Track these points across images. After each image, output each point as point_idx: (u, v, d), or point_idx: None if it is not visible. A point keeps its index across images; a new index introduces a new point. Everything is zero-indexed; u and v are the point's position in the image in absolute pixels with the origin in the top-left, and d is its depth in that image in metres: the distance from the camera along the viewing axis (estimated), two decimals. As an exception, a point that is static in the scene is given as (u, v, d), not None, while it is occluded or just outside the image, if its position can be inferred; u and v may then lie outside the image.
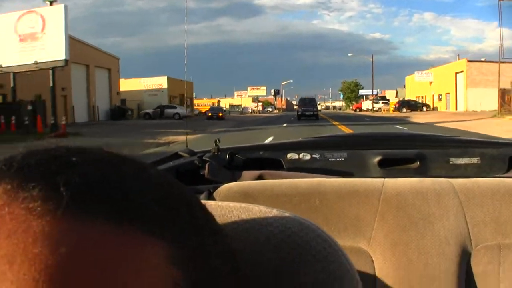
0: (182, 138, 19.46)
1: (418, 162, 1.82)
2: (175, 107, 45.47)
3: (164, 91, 49.56)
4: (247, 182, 1.55)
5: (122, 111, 41.54)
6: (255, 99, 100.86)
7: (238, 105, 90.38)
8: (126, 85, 47.54)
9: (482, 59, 46.55)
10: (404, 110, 53.14)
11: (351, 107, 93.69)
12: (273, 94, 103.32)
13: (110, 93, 42.10)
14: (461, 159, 1.83)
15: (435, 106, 56.88)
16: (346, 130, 25.54)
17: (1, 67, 21.43)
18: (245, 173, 1.72)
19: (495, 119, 30.01)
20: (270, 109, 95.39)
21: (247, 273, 0.54)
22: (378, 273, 1.31)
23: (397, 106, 57.21)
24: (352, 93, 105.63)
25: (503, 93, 34.12)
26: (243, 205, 0.62)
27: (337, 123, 33.16)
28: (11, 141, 14.59)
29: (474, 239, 1.32)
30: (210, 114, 44.46)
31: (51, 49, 21.12)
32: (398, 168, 1.83)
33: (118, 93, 43.23)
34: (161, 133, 21.01)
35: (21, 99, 22.95)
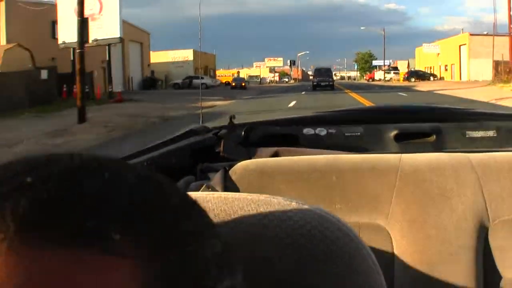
0: (219, 103, 23.46)
1: (434, 136, 1.83)
2: (202, 78, 48.63)
3: (190, 63, 52.85)
4: (263, 159, 1.54)
5: (152, 81, 45.40)
6: (272, 70, 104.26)
7: (257, 76, 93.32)
8: (154, 57, 50.91)
9: (485, 33, 49.08)
10: (413, 79, 56.03)
11: (364, 77, 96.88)
12: (289, 65, 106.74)
13: (142, 65, 45.76)
14: (477, 132, 1.82)
15: (442, 76, 59.56)
16: (357, 97, 28.27)
17: (65, 43, 25.55)
18: (261, 150, 1.72)
19: (488, 87, 32.99)
20: (287, 80, 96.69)
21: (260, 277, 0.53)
22: (396, 250, 1.31)
23: (406, 76, 60.41)
24: (366, 64, 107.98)
25: (496, 64, 37.47)
26: (262, 197, 0.60)
27: (349, 91, 35.58)
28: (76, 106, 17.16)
29: (491, 214, 1.31)
30: (234, 84, 48.34)
31: (108, 28, 25.12)
32: (414, 142, 1.83)
33: (149, 65, 46.90)
34: (199, 100, 24.81)
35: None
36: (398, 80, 61.99)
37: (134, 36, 43.78)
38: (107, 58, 26.35)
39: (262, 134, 1.85)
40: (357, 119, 1.94)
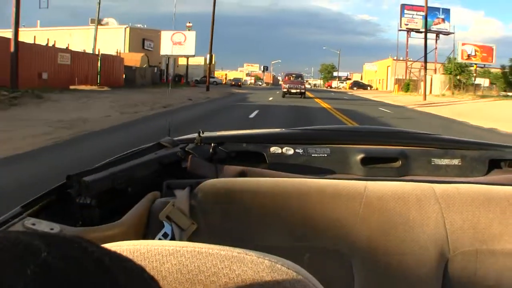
0: (237, 91, 46.27)
1: (400, 161, 1.85)
2: (214, 77, 72.63)
3: (201, 66, 75.17)
4: (229, 179, 1.55)
5: (180, 77, 69.23)
6: (248, 74, 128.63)
7: (240, 78, 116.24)
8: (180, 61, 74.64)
9: (404, 58, 71.13)
10: (355, 88, 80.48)
11: (325, 85, 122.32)
12: (262, 69, 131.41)
13: (174, 66, 69.58)
14: (442, 159, 1.87)
15: (376, 87, 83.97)
16: (311, 95, 41.12)
17: (164, 54, 49.61)
18: (228, 168, 1.72)
19: (390, 94, 53.38)
20: (260, 83, 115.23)
21: None
22: (356, 277, 1.34)
23: (351, 85, 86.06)
24: (328, 74, 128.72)
25: (396, 80, 60.85)
26: (235, 253, 0.60)
27: (308, 93, 44.19)
28: (167, 86, 37.37)
29: (452, 245, 1.36)
30: (233, 83, 73.56)
31: (188, 49, 49.30)
32: (380, 167, 1.86)
33: (178, 66, 70.40)
34: (228, 88, 49.11)
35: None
36: (345, 88, 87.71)
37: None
38: (186, 64, 51.20)
39: (230, 151, 1.84)
40: (325, 139, 1.97)
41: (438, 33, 59.90)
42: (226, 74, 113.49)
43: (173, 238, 1.35)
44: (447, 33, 60.22)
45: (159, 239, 1.34)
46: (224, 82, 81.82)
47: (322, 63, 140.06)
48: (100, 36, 41.89)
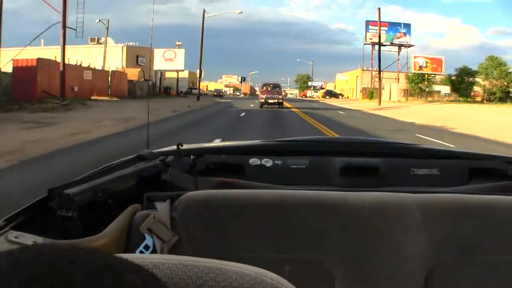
0: (220, 100, 54.19)
1: (380, 172, 1.87)
2: (196, 89, 79.79)
3: (186, 79, 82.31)
4: (209, 191, 1.55)
5: (167, 89, 76.36)
6: (227, 85, 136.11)
7: (220, 89, 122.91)
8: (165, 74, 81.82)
9: (370, 69, 74.20)
10: (328, 97, 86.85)
11: (300, 95, 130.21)
12: (240, 80, 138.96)
13: (162, 79, 76.70)
14: (422, 169, 1.88)
15: (347, 95, 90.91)
16: (288, 104, 42.22)
17: (157, 69, 56.76)
18: (208, 180, 1.74)
19: (356, 101, 60.37)
20: (238, 93, 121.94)
21: None
22: (337, 287, 1.34)
23: (324, 94, 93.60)
24: (304, 84, 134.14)
25: (363, 89, 67.85)
26: (220, 265, 0.61)
27: (286, 102, 44.80)
28: (161, 97, 47.53)
29: (433, 255, 1.37)
30: (215, 93, 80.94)
31: (178, 64, 56.57)
32: (360, 178, 1.87)
33: (165, 79, 77.37)
34: (212, 98, 57.08)
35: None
36: (319, 97, 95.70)
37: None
38: (177, 77, 58.80)
39: (209, 163, 1.87)
40: (303, 150, 1.98)
41: (400, 45, 67.95)
42: (207, 85, 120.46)
43: (154, 251, 1.38)
44: (408, 46, 68.18)
45: (141, 251, 1.38)
46: (205, 92, 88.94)
47: (298, 73, 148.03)
48: (99, 53, 48.88)
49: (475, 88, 57.12)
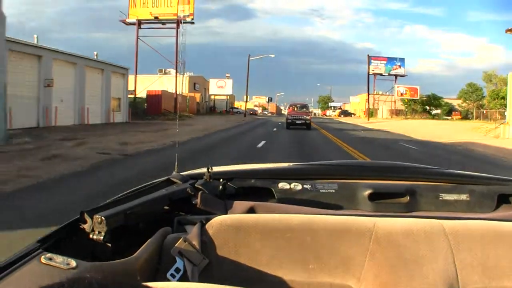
0: (257, 117, 76.36)
1: (408, 197, 1.87)
2: (238, 108, 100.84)
3: (225, 99, 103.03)
4: (239, 215, 1.58)
5: (212, 108, 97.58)
6: (256, 105, 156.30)
7: (254, 109, 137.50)
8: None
9: (380, 92, 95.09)
10: (342, 116, 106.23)
11: (321, 114, 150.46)
12: (267, 100, 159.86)
13: (209, 100, 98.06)
14: (450, 195, 1.88)
15: (359, 114, 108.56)
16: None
17: (212, 94, 78.83)
18: (237, 204, 1.77)
19: (360, 119, 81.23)
20: (266, 112, 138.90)
21: None
22: None
23: (339, 114, 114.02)
24: (325, 104, 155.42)
25: (367, 110, 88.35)
26: None
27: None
28: (215, 114, 69.59)
29: (461, 282, 1.37)
30: (251, 112, 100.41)
31: (227, 90, 78.38)
32: (388, 202, 1.87)
33: (212, 99, 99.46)
34: (249, 116, 78.60)
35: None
36: (335, 115, 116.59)
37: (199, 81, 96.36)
38: (226, 100, 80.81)
39: (238, 187, 1.90)
40: (332, 173, 1.99)
41: (396, 75, 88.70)
42: (240, 105, 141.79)
43: (185, 273, 1.41)
44: (402, 76, 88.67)
45: (171, 274, 1.41)
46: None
47: (320, 95, 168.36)
48: (168, 81, 67.78)
49: (457, 107, 78.55)
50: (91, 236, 1.36)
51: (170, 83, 61.16)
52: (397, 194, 1.90)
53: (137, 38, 53.56)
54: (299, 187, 1.92)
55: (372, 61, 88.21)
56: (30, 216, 6.70)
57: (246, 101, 76.26)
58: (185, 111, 60.20)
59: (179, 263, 1.41)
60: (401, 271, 1.40)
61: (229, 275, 1.44)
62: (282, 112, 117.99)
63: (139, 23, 53.37)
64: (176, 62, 54.50)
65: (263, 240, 1.47)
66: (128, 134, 23.56)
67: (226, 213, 1.66)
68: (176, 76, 52.95)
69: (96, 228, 1.36)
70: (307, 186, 1.92)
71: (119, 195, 1.64)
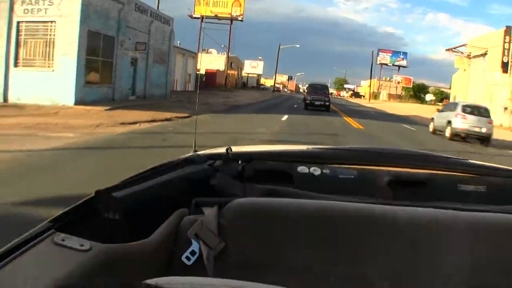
0: (282, 93, 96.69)
1: (428, 186, 1.90)
2: (264, 85, 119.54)
3: (256, 77, 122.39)
4: (257, 199, 1.58)
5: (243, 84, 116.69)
6: (277, 82, 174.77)
7: (278, 86, 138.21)
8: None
9: (383, 78, 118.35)
10: (353, 97, 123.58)
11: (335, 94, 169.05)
12: (287, 79, 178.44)
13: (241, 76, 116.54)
14: (469, 186, 1.92)
15: (367, 97, 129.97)
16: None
17: (246, 73, 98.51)
18: (256, 187, 1.77)
19: (366, 101, 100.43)
20: (286, 89, 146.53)
21: None
22: None
23: (351, 95, 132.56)
24: (340, 85, 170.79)
25: (372, 92, 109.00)
26: (248, 285, 0.56)
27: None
28: (247, 89, 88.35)
29: (478, 274, 1.39)
30: (275, 89, 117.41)
31: (259, 70, 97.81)
32: (408, 191, 1.89)
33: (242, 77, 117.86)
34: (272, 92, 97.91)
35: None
36: (347, 96, 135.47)
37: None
38: (257, 78, 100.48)
39: (258, 169, 1.89)
40: (352, 159, 1.94)
41: (398, 66, 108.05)
42: (264, 82, 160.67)
43: (200, 256, 1.41)
44: (404, 67, 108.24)
45: (187, 257, 1.42)
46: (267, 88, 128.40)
47: (336, 76, 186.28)
48: (206, 59, 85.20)
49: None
50: (105, 216, 1.35)
51: (210, 60, 76.74)
52: (416, 183, 1.92)
53: (200, 29, 72.76)
54: (318, 171, 1.93)
55: (380, 53, 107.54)
56: (257, 108, 27.91)
57: (275, 81, 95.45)
58: (226, 85, 79.42)
59: (194, 246, 1.44)
60: (418, 261, 1.42)
61: (244, 259, 1.47)
62: (300, 90, 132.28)
63: (202, 18, 72.47)
64: (228, 50, 73.26)
65: (280, 225, 1.49)
66: (216, 97, 39.71)
67: (244, 196, 1.65)
68: (227, 63, 72.49)
69: (111, 208, 1.35)
70: (326, 171, 1.93)
71: (136, 175, 1.61)
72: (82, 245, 1.13)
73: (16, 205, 5.69)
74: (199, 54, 65.34)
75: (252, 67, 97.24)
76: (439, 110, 25.98)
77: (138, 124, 16.54)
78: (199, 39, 71.88)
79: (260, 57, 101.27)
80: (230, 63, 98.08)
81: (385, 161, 1.95)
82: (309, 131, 18.69)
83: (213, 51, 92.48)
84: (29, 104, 20.35)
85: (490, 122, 22.13)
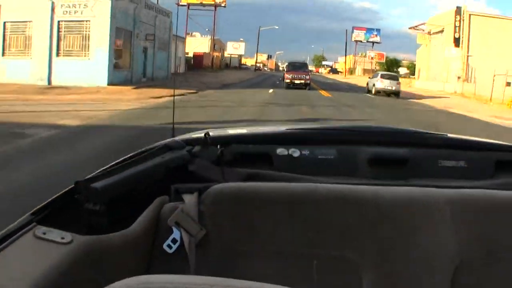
0: (263, 72, 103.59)
1: (408, 163, 1.85)
2: (245, 65, 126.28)
3: (237, 57, 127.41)
4: (237, 184, 1.54)
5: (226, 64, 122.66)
6: (257, 62, 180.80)
7: (258, 65, 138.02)
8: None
9: (360, 54, 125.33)
10: (331, 73, 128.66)
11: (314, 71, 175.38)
12: (267, 58, 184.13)
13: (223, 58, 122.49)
14: (449, 161, 1.87)
15: (346, 72, 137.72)
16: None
17: (228, 54, 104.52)
18: (236, 171, 1.73)
19: (343, 77, 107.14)
20: (266, 69, 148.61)
21: None
22: (364, 284, 1.35)
23: (329, 71, 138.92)
24: (319, 62, 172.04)
25: (348, 69, 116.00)
26: (231, 282, 0.62)
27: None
28: (229, 69, 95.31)
29: (460, 253, 1.37)
30: (256, 68, 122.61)
31: (240, 51, 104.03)
32: (388, 169, 1.85)
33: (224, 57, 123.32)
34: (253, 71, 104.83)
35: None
36: (326, 73, 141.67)
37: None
38: (239, 59, 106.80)
39: (236, 153, 1.85)
40: (330, 139, 1.95)
41: (373, 42, 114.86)
42: (245, 62, 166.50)
43: (182, 244, 1.40)
44: (378, 43, 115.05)
45: (168, 245, 1.41)
46: (248, 67, 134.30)
47: (315, 53, 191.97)
48: (194, 42, 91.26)
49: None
50: (86, 206, 1.32)
51: (197, 44, 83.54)
52: (397, 161, 1.88)
53: (187, 16, 78.65)
54: (297, 153, 1.87)
55: (355, 30, 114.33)
56: (248, 85, 37.24)
57: (256, 61, 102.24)
58: (212, 66, 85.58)
59: (175, 234, 1.42)
60: (401, 242, 1.41)
61: (226, 246, 1.45)
62: (280, 68, 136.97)
63: (188, 5, 78.44)
64: (213, 34, 79.49)
65: (262, 210, 1.47)
66: (207, 77, 46.47)
67: (224, 181, 1.63)
68: (212, 46, 78.65)
69: (91, 198, 1.32)
70: (305, 152, 1.88)
71: (114, 163, 1.61)
72: (63, 238, 1.14)
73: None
74: (186, 38, 71.32)
75: (234, 48, 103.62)
76: (370, 78, 40.26)
77: (164, 98, 21.71)
78: (186, 25, 78.16)
79: (241, 39, 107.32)
80: (213, 45, 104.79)
81: (364, 139, 1.96)
82: (291, 100, 24.88)
83: (197, 34, 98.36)
84: (71, 86, 25.51)
85: (398, 83, 35.67)
